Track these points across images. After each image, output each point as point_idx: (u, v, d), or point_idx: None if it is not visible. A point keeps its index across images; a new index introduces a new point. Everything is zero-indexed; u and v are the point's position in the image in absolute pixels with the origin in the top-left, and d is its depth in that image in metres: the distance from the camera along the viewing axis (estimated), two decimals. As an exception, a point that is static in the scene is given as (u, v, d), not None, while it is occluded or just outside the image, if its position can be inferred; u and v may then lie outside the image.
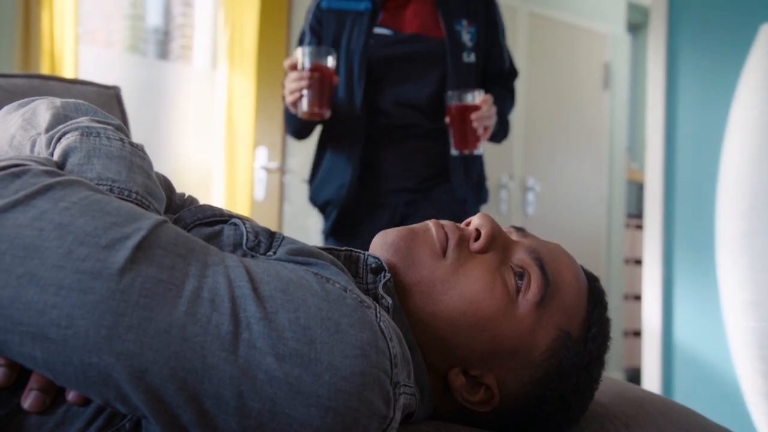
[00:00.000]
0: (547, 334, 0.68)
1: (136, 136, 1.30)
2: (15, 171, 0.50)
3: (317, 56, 1.54)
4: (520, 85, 3.94)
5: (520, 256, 0.70)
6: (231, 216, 0.65)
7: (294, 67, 1.56)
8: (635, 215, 4.46)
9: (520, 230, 0.75)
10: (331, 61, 1.56)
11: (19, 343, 0.46)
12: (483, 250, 0.70)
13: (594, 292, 0.73)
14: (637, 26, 5.06)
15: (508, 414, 0.70)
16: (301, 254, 0.59)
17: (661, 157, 2.60)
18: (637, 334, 4.24)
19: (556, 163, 4.04)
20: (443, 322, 0.66)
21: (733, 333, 1.83)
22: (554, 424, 0.71)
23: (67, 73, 2.55)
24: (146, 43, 3.44)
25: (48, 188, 0.49)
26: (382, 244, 0.69)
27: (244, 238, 0.60)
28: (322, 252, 0.60)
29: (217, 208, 0.67)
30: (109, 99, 1.24)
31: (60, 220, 0.47)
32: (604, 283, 4.36)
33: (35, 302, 0.45)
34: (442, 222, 0.71)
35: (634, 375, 4.06)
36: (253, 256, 0.58)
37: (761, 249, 1.72)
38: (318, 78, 1.53)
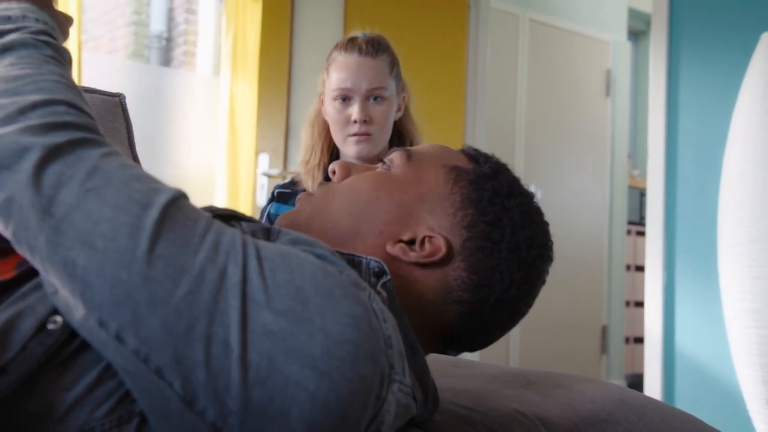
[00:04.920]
0: (437, 172, 0.74)
1: (139, 142, 1.31)
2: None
3: None
4: (521, 92, 3.95)
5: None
6: (233, 214, 0.68)
7: None
8: (637, 222, 4.46)
9: None
10: None
11: (69, 247, 0.52)
12: (343, 178, 0.78)
13: (462, 149, 0.80)
14: (638, 34, 5.08)
15: (466, 247, 0.71)
16: (299, 243, 0.62)
17: (662, 164, 2.61)
18: (639, 340, 4.24)
19: (557, 170, 4.05)
20: (345, 219, 0.73)
21: (734, 340, 1.83)
22: (510, 235, 0.72)
23: (71, 79, 2.56)
24: (149, 49, 3.45)
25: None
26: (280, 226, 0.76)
27: None
28: (319, 242, 0.63)
29: (221, 207, 0.71)
30: (113, 107, 1.24)
31: (122, 161, 0.56)
32: (605, 290, 4.35)
33: (93, 213, 0.52)
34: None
35: (636, 381, 4.06)
36: None
37: (762, 256, 1.72)
38: None
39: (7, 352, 0.53)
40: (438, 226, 0.72)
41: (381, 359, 0.55)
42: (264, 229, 0.65)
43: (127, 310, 0.51)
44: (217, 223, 0.57)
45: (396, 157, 0.77)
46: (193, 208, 0.57)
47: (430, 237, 0.71)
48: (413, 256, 0.70)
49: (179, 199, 0.56)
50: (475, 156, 0.77)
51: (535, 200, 0.77)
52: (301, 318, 0.52)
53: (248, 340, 0.51)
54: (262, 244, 0.57)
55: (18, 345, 0.54)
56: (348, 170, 0.79)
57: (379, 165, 0.79)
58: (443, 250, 0.70)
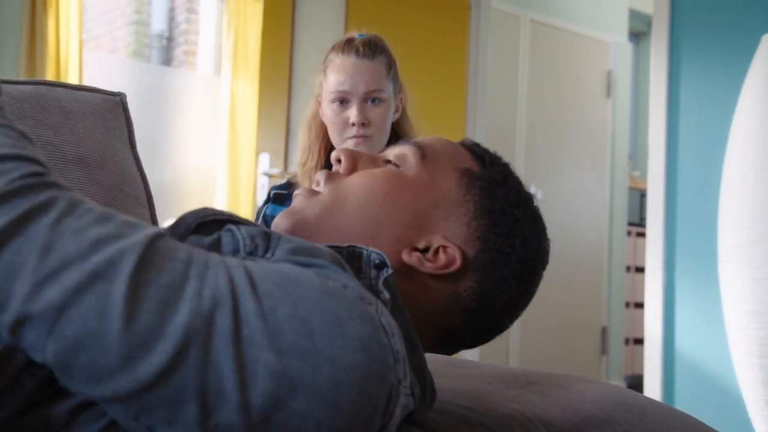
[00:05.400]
0: (449, 176, 0.73)
1: (140, 141, 1.31)
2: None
3: None
4: (522, 93, 3.96)
5: (387, 153, 0.77)
6: (230, 217, 0.65)
7: None
8: (637, 223, 4.46)
9: (386, 148, 0.82)
10: None
11: (36, 336, 0.47)
12: (351, 170, 0.75)
13: (466, 144, 0.78)
14: (639, 34, 5.08)
15: (479, 260, 0.71)
16: (300, 252, 0.59)
17: (662, 165, 2.61)
18: (639, 341, 4.24)
19: (557, 171, 4.05)
20: (360, 222, 0.70)
21: (734, 342, 1.83)
22: (522, 248, 0.73)
23: (72, 78, 2.57)
24: (150, 49, 3.46)
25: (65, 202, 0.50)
26: (278, 228, 0.72)
27: (241, 244, 0.60)
28: (321, 248, 0.60)
29: (217, 210, 0.67)
30: (114, 106, 1.25)
31: (76, 223, 0.49)
32: (605, 291, 4.35)
33: (54, 301, 0.46)
34: (315, 180, 0.77)
35: (636, 382, 4.06)
36: (252, 260, 0.58)
37: (763, 258, 1.72)
38: None
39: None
40: (452, 235, 0.71)
41: (389, 377, 0.53)
42: (264, 233, 0.61)
43: (107, 387, 0.48)
44: (197, 263, 0.51)
45: (409, 154, 0.75)
46: (166, 255, 0.50)
47: (444, 247, 0.70)
48: (429, 267, 0.70)
49: (149, 251, 0.49)
50: (479, 154, 0.76)
51: (535, 203, 0.77)
52: (308, 352, 0.49)
53: (248, 385, 0.48)
54: (257, 273, 0.53)
55: (10, 376, 0.52)
56: (354, 160, 0.75)
57: (386, 153, 0.77)
58: (458, 262, 0.70)
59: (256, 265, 0.54)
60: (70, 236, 0.48)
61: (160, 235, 0.51)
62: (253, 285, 0.51)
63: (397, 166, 0.74)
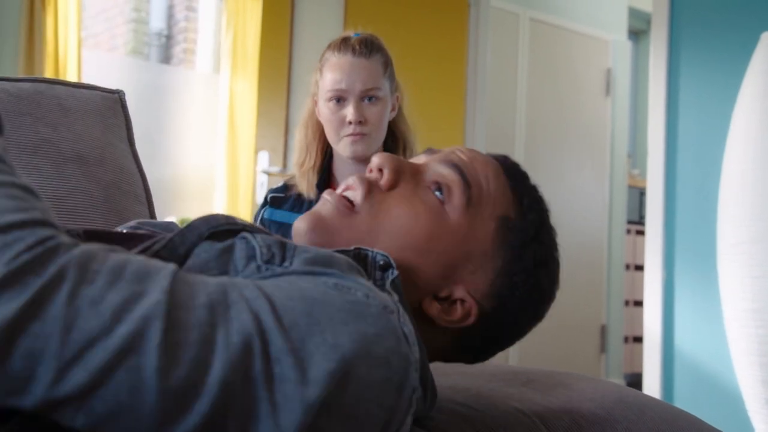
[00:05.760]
0: (487, 227, 0.71)
1: (138, 139, 1.31)
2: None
3: None
4: (521, 91, 3.95)
5: (432, 172, 0.72)
6: (243, 226, 0.64)
7: None
8: (636, 221, 4.46)
9: (429, 151, 0.77)
10: None
11: (64, 413, 0.46)
12: (392, 185, 0.71)
13: (509, 169, 0.75)
14: (638, 33, 5.08)
15: (492, 317, 0.72)
16: (317, 263, 0.58)
17: (662, 163, 2.61)
18: (638, 339, 4.24)
19: (557, 169, 4.05)
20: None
21: (733, 340, 1.83)
22: (534, 307, 0.74)
23: (71, 76, 2.56)
24: (149, 47, 3.45)
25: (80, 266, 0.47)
26: (300, 235, 0.69)
27: (257, 252, 0.59)
28: (338, 257, 0.59)
29: (230, 218, 0.65)
30: (113, 103, 1.24)
31: (91, 291, 0.46)
32: (604, 289, 4.35)
33: (83, 384, 0.45)
34: (348, 181, 0.72)
35: (635, 380, 4.06)
36: (267, 269, 0.58)
37: (762, 256, 1.72)
38: None
39: None
40: (474, 289, 0.71)
41: (408, 388, 0.54)
42: (279, 243, 0.60)
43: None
44: (219, 305, 0.49)
45: (456, 191, 0.71)
46: (188, 306, 0.48)
47: (463, 301, 0.71)
48: (445, 320, 0.70)
49: (171, 309, 0.47)
50: (519, 191, 0.74)
51: (557, 252, 0.77)
52: (339, 377, 0.50)
53: (284, 422, 0.48)
54: (280, 302, 0.51)
55: None
56: (398, 174, 0.71)
57: (433, 170, 0.72)
58: (472, 319, 0.71)
59: (277, 289, 0.53)
60: (88, 310, 0.45)
61: (174, 281, 0.49)
62: (278, 318, 0.50)
63: (440, 201, 0.71)
